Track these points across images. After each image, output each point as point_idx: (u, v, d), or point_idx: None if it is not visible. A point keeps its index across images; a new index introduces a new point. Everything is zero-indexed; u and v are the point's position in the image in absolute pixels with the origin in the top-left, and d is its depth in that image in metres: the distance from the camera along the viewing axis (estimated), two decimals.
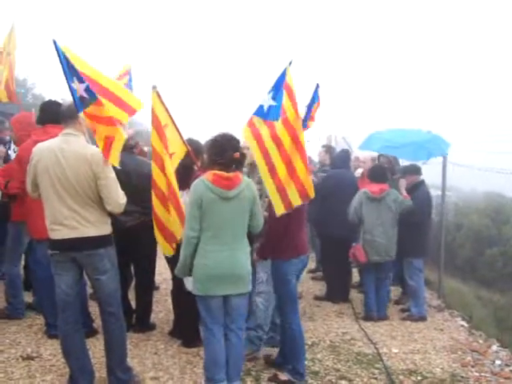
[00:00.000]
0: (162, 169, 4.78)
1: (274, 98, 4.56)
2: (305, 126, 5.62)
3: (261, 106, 4.59)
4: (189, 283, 4.40)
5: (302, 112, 4.82)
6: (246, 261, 4.23)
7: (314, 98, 6.56)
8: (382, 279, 6.89)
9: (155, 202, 4.83)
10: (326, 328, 6.35)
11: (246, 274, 4.22)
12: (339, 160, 7.70)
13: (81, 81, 3.92)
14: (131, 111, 4.01)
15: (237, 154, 4.16)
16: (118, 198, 4.16)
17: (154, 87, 4.79)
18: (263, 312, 5.14)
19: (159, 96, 4.81)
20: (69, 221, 4.08)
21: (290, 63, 4.69)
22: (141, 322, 5.75)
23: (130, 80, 9.37)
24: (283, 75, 4.64)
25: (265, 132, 4.59)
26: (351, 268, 7.73)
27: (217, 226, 4.10)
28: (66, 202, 4.07)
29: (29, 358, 4.98)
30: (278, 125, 4.56)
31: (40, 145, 4.21)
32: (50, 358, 5.01)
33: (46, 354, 5.07)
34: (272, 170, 4.54)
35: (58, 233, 4.11)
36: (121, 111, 3.98)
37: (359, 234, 6.83)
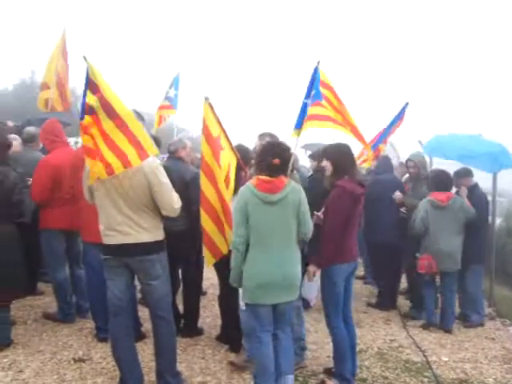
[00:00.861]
0: (212, 179, 4.82)
1: (313, 88, 5.19)
2: (379, 143, 6.26)
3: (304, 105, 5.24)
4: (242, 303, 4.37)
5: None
6: (295, 268, 4.20)
7: (399, 115, 6.79)
8: (450, 291, 6.66)
9: (203, 216, 4.85)
10: (374, 335, 6.29)
11: (296, 282, 4.21)
12: (383, 165, 7.62)
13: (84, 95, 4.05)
14: (144, 156, 4.06)
15: (276, 160, 4.13)
16: (172, 203, 4.22)
17: (207, 99, 4.87)
18: (299, 326, 5.11)
19: (211, 107, 4.88)
20: (122, 227, 4.16)
21: (318, 63, 5.14)
22: (188, 326, 5.80)
23: (176, 87, 9.54)
24: (315, 75, 5.17)
25: (321, 110, 5.31)
26: (400, 275, 7.61)
27: (263, 232, 4.10)
28: (119, 208, 4.15)
29: (80, 360, 5.09)
30: (326, 104, 5.30)
31: None
32: (101, 360, 5.10)
33: (96, 357, 5.17)
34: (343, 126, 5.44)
35: (112, 238, 4.19)
36: (134, 152, 4.03)
37: (423, 243, 6.60)
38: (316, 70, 5.19)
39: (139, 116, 4.65)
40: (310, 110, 5.18)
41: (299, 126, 5.20)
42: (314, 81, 5.19)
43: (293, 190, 4.17)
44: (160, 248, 4.31)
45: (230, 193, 4.89)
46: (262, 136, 5.06)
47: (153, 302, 4.39)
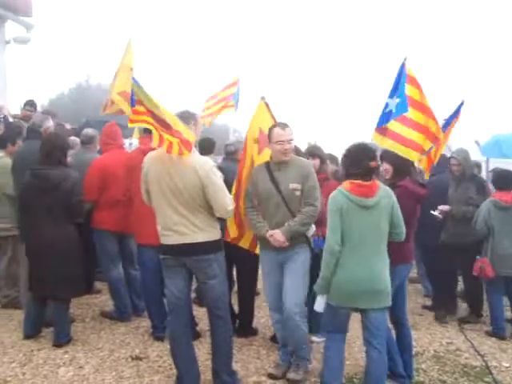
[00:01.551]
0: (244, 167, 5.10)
1: (398, 96, 5.01)
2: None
3: (389, 112, 5.09)
4: (320, 304, 4.29)
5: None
6: (385, 274, 4.13)
7: (455, 114, 6.66)
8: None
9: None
10: (430, 337, 6.15)
11: (386, 289, 4.13)
12: (438, 165, 7.41)
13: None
14: (189, 147, 4.16)
15: (374, 163, 4.14)
16: (225, 205, 4.23)
17: (263, 98, 4.89)
18: None
19: (267, 106, 4.90)
20: (178, 227, 4.19)
21: (405, 59, 5.07)
22: (243, 326, 5.82)
23: (238, 91, 9.57)
24: (401, 72, 5.07)
25: (399, 128, 5.14)
26: (457, 277, 7.42)
27: (356, 237, 4.06)
28: (175, 209, 4.18)
29: (137, 358, 5.17)
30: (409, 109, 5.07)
31: (150, 154, 4.38)
32: (157, 359, 5.17)
33: (153, 356, 5.24)
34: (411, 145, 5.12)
35: (168, 238, 4.24)
36: (183, 148, 4.14)
37: (486, 245, 6.34)
38: (403, 67, 5.10)
39: (192, 116, 4.69)
40: (391, 125, 5.12)
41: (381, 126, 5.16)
42: (400, 78, 5.08)
43: (385, 193, 4.14)
44: (217, 248, 4.33)
45: None
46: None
47: (210, 301, 4.43)
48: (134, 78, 4.15)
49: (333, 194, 4.15)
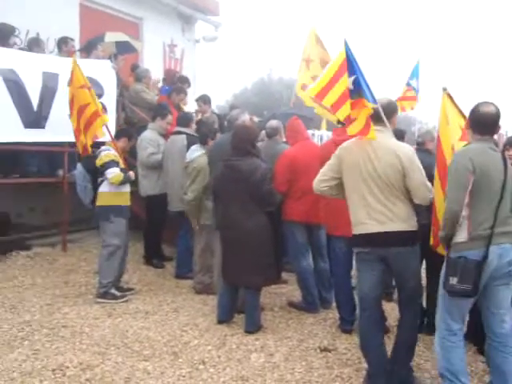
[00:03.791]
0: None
1: None
2: None
3: None
4: None
5: None
6: None
7: None
8: None
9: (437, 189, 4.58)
10: None
11: None
12: None
13: (351, 74, 4.23)
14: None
15: None
16: (425, 191, 4.12)
17: (445, 89, 4.67)
18: None
19: (451, 97, 4.66)
20: (378, 215, 4.13)
21: None
22: (431, 323, 5.58)
23: (417, 76, 9.29)
24: None
25: None
26: None
27: None
28: (376, 196, 4.13)
29: (326, 349, 5.19)
30: None
31: (346, 143, 4.39)
32: (345, 352, 5.15)
33: (341, 348, 5.23)
34: None
35: (368, 227, 4.18)
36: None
37: None
38: None
39: (396, 109, 4.64)
40: None
41: None
42: None
43: None
44: (416, 239, 4.24)
45: None
46: None
47: (405, 295, 4.37)
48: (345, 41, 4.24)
49: None
